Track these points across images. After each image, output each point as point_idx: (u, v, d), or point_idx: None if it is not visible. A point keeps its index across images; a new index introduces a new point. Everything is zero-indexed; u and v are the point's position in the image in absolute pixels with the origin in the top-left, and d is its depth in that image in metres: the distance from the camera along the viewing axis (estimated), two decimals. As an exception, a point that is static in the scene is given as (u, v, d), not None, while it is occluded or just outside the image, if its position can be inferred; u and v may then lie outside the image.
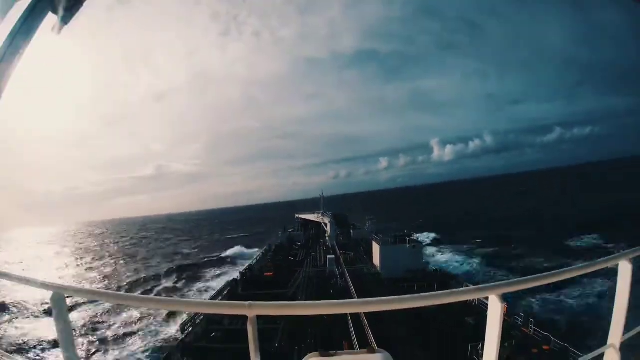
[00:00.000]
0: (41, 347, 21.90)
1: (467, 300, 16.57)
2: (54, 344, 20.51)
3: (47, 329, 23.62)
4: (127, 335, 24.14)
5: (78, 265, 60.48)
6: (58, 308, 1.74)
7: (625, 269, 1.92)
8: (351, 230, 49.92)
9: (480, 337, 1.86)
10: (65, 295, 1.78)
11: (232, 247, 63.49)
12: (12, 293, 31.46)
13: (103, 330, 25.12)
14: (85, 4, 1.84)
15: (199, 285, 40.12)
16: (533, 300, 27.26)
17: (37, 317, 27.42)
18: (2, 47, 1.58)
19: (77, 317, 26.63)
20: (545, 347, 14.48)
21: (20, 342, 22.93)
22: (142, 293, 34.46)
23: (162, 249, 77.73)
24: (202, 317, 18.05)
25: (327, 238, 41.66)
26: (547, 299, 27.10)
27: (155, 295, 29.22)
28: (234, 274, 35.21)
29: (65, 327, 1.77)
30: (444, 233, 59.05)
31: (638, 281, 2.15)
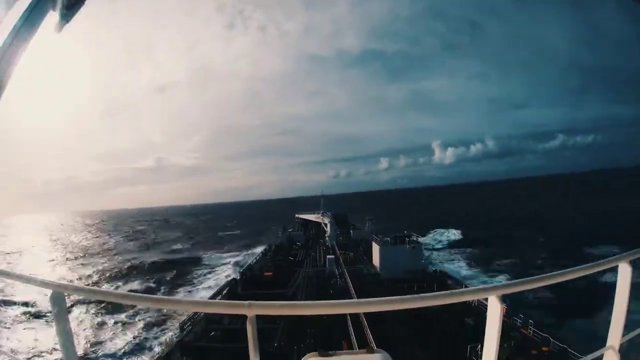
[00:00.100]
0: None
1: (466, 301, 16.57)
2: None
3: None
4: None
5: (67, 260, 59.52)
6: (57, 307, 1.74)
7: (624, 271, 1.93)
8: (351, 231, 49.91)
9: (480, 338, 1.87)
10: (65, 294, 1.79)
11: (228, 245, 63.14)
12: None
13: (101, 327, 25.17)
14: (86, 3, 1.84)
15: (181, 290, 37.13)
16: (532, 301, 27.28)
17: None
18: (5, 41, 1.59)
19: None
20: (544, 349, 14.48)
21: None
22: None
23: (159, 244, 77.09)
24: (201, 316, 18.06)
25: (326, 238, 41.65)
26: (546, 300, 27.11)
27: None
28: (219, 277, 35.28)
29: (64, 326, 1.77)
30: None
31: (637, 282, 2.15)
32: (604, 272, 1.93)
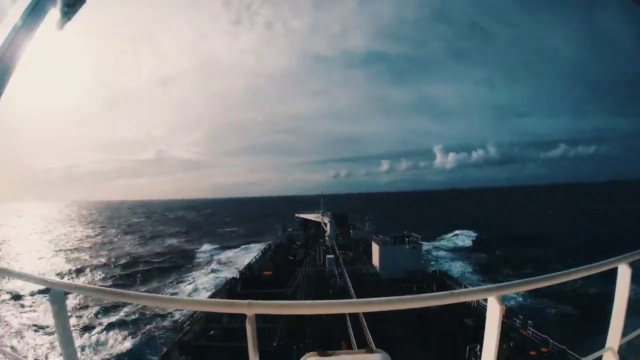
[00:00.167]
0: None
1: (466, 302, 16.58)
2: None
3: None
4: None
5: (53, 252, 58.38)
6: (57, 305, 1.74)
7: (624, 272, 1.93)
8: (351, 230, 49.92)
9: (480, 339, 1.86)
10: (65, 293, 1.79)
11: (225, 242, 62.52)
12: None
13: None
14: (87, 1, 1.84)
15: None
16: (531, 302, 27.29)
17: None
18: (13, 27, 1.59)
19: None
20: (543, 350, 14.49)
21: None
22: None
23: (152, 238, 76.43)
24: (200, 315, 18.05)
25: (326, 238, 41.64)
26: (545, 302, 27.11)
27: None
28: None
29: (64, 324, 1.77)
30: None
31: (637, 284, 2.15)
32: (604, 273, 1.93)
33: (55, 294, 1.73)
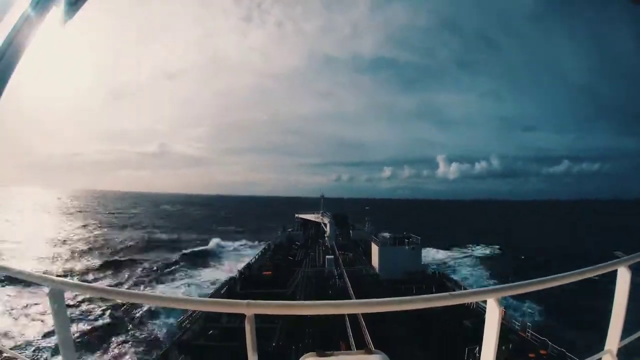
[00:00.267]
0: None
1: (465, 303, 16.57)
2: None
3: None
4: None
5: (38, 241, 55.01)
6: (56, 304, 1.74)
7: (623, 275, 1.92)
8: (350, 231, 49.95)
9: (479, 339, 1.85)
10: (64, 291, 1.78)
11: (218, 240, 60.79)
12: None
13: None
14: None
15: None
16: (531, 304, 27.27)
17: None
18: (23, 15, 1.60)
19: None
20: (542, 352, 14.49)
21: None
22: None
23: (144, 232, 74.66)
24: (199, 314, 18.04)
25: (326, 238, 41.65)
26: (545, 303, 27.09)
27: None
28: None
29: (63, 323, 1.77)
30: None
31: (636, 287, 2.15)
32: (603, 275, 1.93)
33: (54, 292, 1.73)
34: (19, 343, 21.45)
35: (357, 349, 3.18)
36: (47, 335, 22.00)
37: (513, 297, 26.91)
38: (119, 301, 26.57)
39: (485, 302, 1.59)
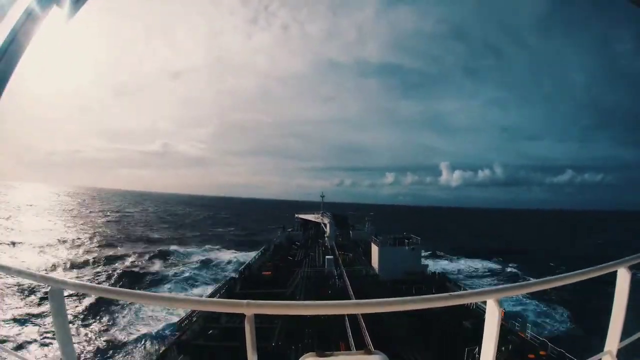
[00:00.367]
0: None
1: (465, 304, 16.56)
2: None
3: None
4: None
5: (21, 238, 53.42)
6: (56, 303, 1.74)
7: (623, 276, 1.92)
8: (350, 231, 49.93)
9: (479, 341, 1.85)
10: (64, 291, 1.78)
11: (215, 243, 60.24)
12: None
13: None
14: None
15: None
16: (531, 305, 27.27)
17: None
18: (26, 10, 1.60)
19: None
20: (542, 353, 14.48)
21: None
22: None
23: (141, 231, 74.40)
24: (199, 314, 18.04)
25: (326, 238, 41.64)
26: (545, 304, 27.10)
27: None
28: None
29: (63, 322, 1.77)
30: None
31: (636, 288, 2.15)
32: (603, 277, 1.93)
33: (54, 291, 1.73)
34: (19, 343, 21.46)
35: (356, 349, 3.18)
36: (47, 335, 22.01)
37: (514, 299, 26.94)
38: (119, 301, 26.57)
39: (485, 302, 1.59)
